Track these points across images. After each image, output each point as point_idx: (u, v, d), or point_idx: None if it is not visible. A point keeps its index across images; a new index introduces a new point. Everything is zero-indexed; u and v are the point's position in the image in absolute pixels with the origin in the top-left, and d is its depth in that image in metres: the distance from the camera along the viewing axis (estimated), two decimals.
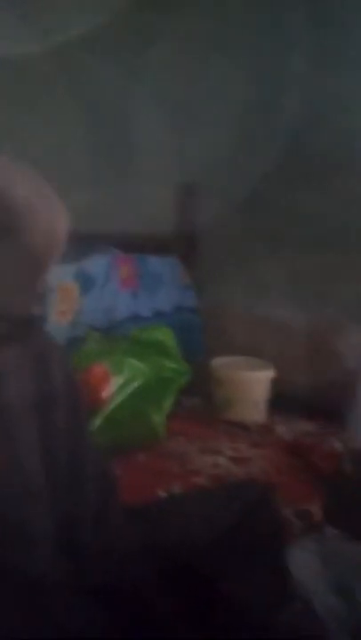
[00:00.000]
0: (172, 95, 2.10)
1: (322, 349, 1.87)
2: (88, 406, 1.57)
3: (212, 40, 2.00)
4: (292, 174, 1.97)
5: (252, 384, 1.88)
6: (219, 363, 1.95)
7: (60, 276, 1.80)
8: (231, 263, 2.11)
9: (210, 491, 1.31)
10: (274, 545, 1.03)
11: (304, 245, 1.96)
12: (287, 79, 1.88)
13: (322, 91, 1.87)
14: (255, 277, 2.06)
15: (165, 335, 1.83)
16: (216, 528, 1.08)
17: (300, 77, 1.86)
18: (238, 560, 1.03)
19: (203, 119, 2.10)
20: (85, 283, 1.84)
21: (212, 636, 0.92)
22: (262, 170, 1.94)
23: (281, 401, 1.85)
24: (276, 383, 1.88)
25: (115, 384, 1.65)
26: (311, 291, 1.94)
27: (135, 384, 1.68)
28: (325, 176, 1.91)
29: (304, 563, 0.95)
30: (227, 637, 0.93)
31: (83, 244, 2.01)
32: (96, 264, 1.89)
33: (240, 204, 2.02)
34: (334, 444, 1.47)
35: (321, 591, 0.92)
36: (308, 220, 1.94)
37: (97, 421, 1.59)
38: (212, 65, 1.99)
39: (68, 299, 1.80)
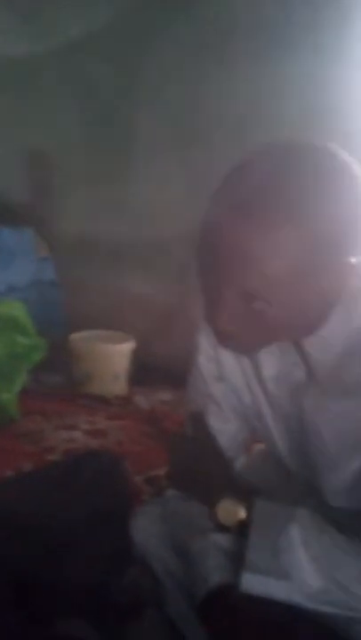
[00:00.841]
0: None
1: (180, 319, 1.88)
2: None
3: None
4: None
5: (111, 357, 1.85)
6: (78, 337, 1.89)
7: None
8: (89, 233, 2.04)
9: (55, 464, 1.27)
10: (118, 511, 1.02)
11: None
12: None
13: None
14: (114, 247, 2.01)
15: (18, 310, 1.72)
16: (60, 500, 1.05)
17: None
18: (83, 529, 1.01)
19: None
20: None
21: (53, 605, 0.90)
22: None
23: (142, 372, 1.84)
24: (136, 354, 1.86)
25: None
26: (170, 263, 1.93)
27: None
28: None
29: (145, 525, 0.94)
30: (69, 605, 0.91)
31: None
32: None
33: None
34: None
35: (160, 552, 0.91)
36: None
37: None
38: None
39: None
